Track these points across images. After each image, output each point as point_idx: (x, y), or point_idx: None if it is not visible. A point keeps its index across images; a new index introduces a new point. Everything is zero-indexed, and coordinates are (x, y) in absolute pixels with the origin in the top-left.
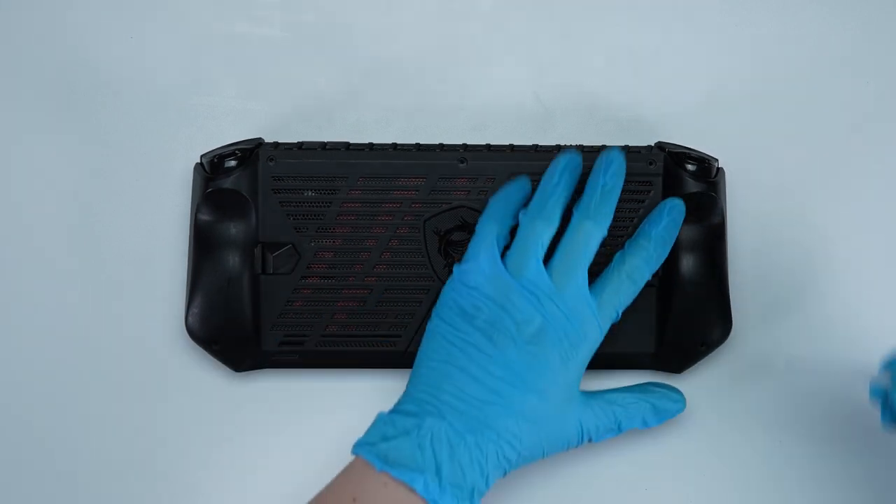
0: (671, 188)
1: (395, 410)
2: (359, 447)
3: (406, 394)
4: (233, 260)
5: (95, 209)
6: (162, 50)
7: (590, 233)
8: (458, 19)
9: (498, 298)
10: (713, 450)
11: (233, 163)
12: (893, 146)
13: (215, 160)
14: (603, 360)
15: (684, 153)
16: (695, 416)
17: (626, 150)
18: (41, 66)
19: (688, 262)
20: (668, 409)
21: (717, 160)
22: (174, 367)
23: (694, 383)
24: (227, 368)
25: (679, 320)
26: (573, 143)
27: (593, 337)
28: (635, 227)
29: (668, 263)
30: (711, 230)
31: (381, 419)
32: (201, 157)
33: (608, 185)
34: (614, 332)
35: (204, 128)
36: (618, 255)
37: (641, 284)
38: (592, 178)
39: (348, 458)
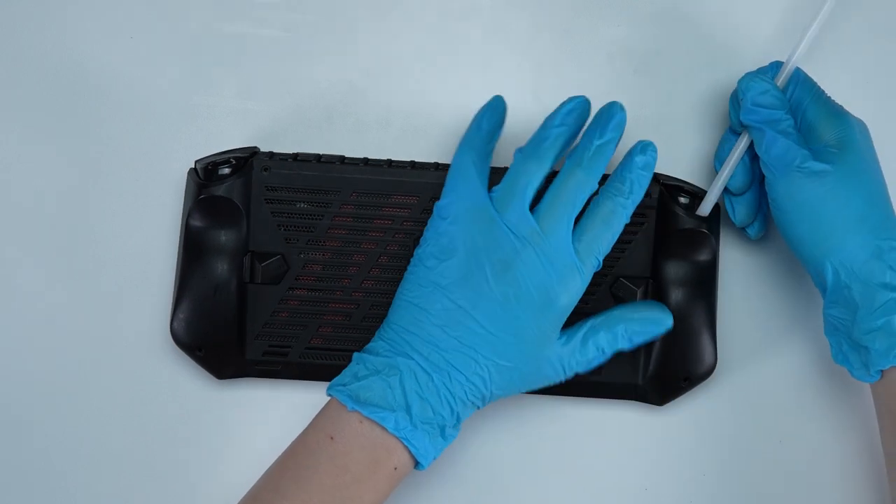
0: (665, 221)
1: (367, 350)
2: (331, 388)
3: (379, 333)
4: (221, 267)
5: (94, 209)
6: (162, 50)
7: (580, 181)
8: (458, 19)
9: (477, 234)
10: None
11: (227, 170)
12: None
13: (209, 167)
14: (586, 389)
15: (678, 186)
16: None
17: None
18: (40, 67)
19: (677, 296)
20: (654, 325)
21: None
22: (158, 371)
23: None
24: (211, 375)
25: (664, 354)
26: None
27: (575, 285)
28: (625, 258)
29: (658, 296)
30: (703, 267)
31: (354, 360)
32: (195, 162)
33: (605, 137)
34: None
35: (203, 128)
36: (593, 201)
37: (618, 230)
38: (590, 129)
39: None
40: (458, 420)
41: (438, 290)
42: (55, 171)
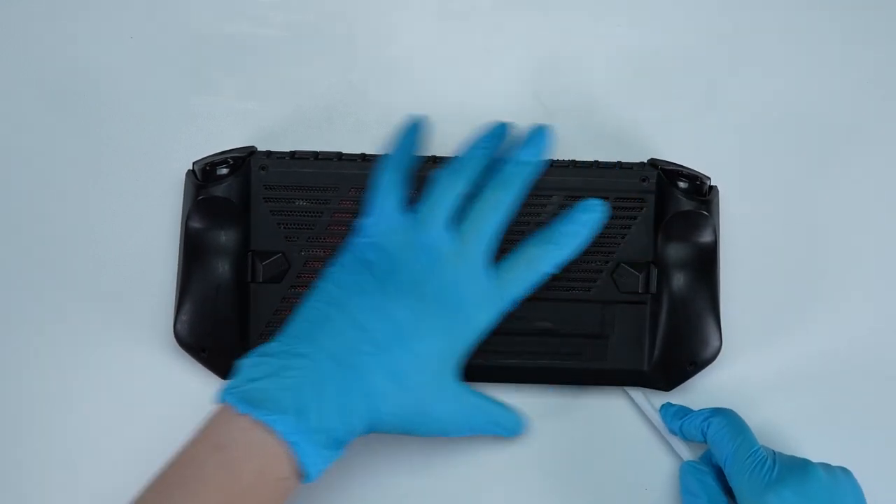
0: (664, 205)
1: (263, 352)
2: (223, 393)
3: (281, 334)
4: (222, 267)
5: (94, 210)
6: (162, 50)
7: (500, 200)
8: (458, 19)
9: (395, 250)
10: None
11: (225, 171)
12: (891, 166)
13: (207, 168)
14: (592, 377)
15: (676, 170)
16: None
17: (619, 166)
18: (41, 67)
19: (679, 281)
20: (510, 428)
21: (709, 178)
22: (162, 373)
23: (683, 401)
24: (215, 375)
25: (668, 339)
26: (569, 144)
27: (485, 317)
28: (626, 244)
29: (660, 280)
30: (703, 249)
31: (246, 364)
32: (193, 164)
33: (529, 159)
34: (605, 348)
35: (203, 129)
36: (525, 242)
37: (540, 277)
38: (515, 151)
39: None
40: (350, 436)
41: (359, 292)
42: (55, 172)
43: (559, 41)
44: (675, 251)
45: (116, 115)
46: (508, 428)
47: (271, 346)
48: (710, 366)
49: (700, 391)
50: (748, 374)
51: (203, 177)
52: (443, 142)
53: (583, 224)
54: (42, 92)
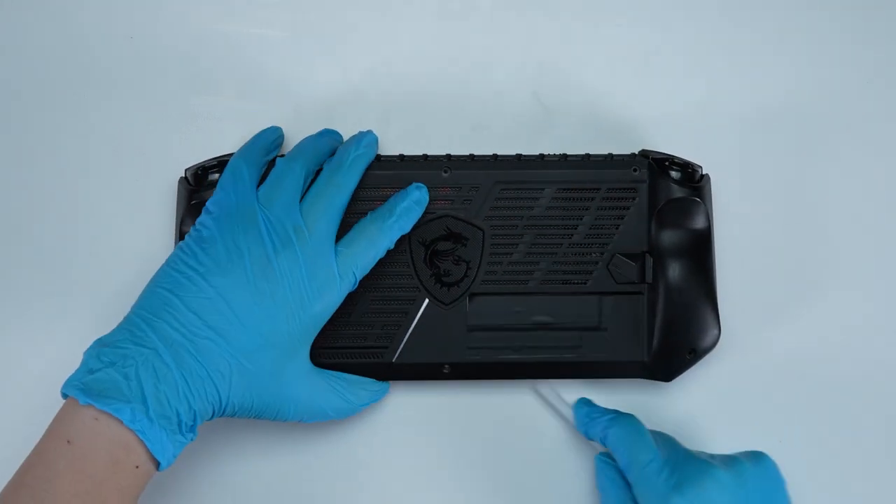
0: (656, 194)
1: (103, 342)
2: (64, 386)
3: (122, 323)
4: None
5: (92, 212)
6: (162, 50)
7: (339, 184)
8: (458, 19)
9: (240, 228)
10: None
11: (216, 175)
12: (884, 153)
13: (199, 173)
14: (592, 369)
15: (668, 159)
16: (685, 424)
17: (611, 157)
18: (41, 66)
19: (674, 269)
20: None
21: (700, 166)
22: None
23: (684, 391)
24: None
25: (667, 328)
26: (569, 144)
27: (331, 294)
28: (620, 235)
29: (656, 269)
30: (697, 236)
31: (86, 355)
32: (185, 170)
33: (361, 150)
34: (604, 339)
35: (203, 129)
36: (360, 221)
37: (380, 252)
38: (344, 147)
39: (329, 462)
40: (196, 420)
41: (196, 276)
42: (54, 173)
43: (559, 41)
44: (669, 239)
45: (116, 115)
46: (367, 402)
47: (111, 336)
48: (709, 356)
49: (701, 381)
50: (748, 364)
51: (195, 182)
52: (443, 142)
53: (416, 201)
54: (41, 91)
